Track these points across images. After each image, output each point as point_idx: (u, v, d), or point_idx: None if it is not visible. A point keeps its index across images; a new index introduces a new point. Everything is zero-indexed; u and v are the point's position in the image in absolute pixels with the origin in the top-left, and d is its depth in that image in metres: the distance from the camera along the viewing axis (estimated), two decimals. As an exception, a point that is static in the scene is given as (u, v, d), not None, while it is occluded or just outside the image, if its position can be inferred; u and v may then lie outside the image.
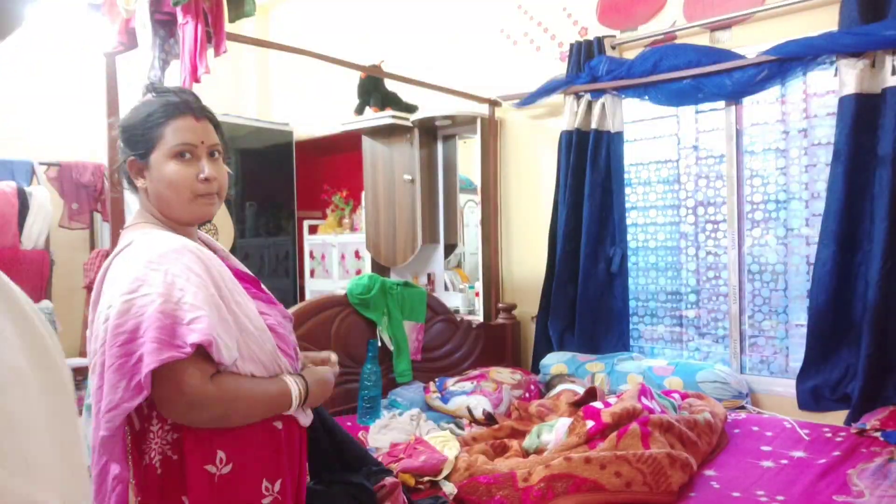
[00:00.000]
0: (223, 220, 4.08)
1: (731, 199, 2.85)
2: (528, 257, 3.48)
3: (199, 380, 1.09)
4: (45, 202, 3.53)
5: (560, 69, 3.24)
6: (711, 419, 2.19)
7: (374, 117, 3.62)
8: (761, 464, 2.07)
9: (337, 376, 1.40)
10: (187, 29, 1.76)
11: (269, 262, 4.45)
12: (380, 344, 2.71)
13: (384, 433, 2.33)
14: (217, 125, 1.32)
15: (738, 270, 2.83)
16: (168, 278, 1.10)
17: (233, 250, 4.11)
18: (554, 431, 2.07)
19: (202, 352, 1.10)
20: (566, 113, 3.19)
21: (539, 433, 2.11)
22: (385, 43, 4.03)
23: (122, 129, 1.28)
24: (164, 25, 1.84)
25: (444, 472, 1.85)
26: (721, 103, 2.88)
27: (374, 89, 3.68)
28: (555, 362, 3.02)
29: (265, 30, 4.84)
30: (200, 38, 1.75)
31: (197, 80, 1.79)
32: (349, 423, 2.47)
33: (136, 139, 1.25)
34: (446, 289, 3.84)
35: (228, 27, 2.05)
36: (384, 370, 2.74)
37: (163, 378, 1.07)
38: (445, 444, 2.01)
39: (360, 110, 3.73)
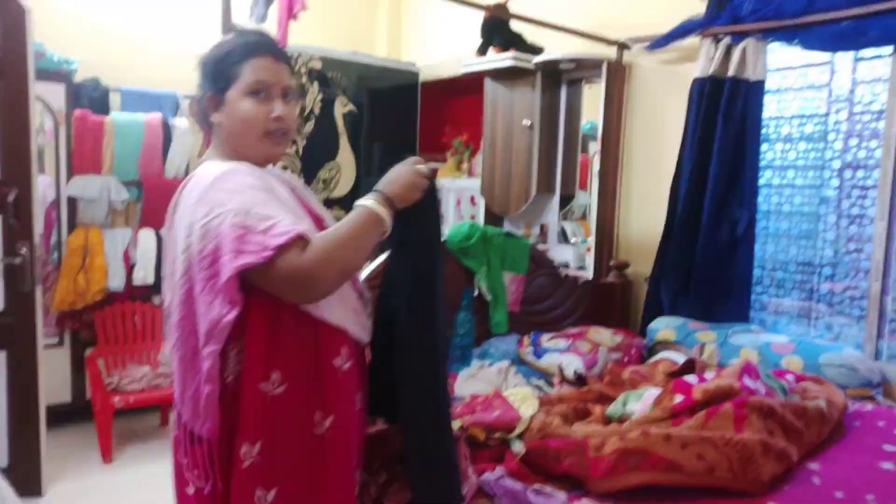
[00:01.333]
0: (346, 159, 4.18)
1: (885, 163, 2.48)
2: (648, 214, 3.26)
3: (295, 258, 1.12)
4: (187, 133, 3.79)
5: (699, 8, 2.94)
6: (825, 407, 1.97)
7: (495, 59, 3.50)
8: (880, 465, 1.83)
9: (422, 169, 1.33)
10: (283, -34, 1.77)
11: (390, 202, 4.52)
12: (476, 293, 2.68)
13: (470, 383, 2.33)
14: (293, 71, 1.35)
15: (884, 245, 2.48)
16: (232, 195, 1.14)
17: (355, 189, 4.25)
18: (641, 401, 1.96)
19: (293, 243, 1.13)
20: (701, 58, 2.90)
21: (625, 401, 2.00)
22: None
23: (202, 65, 1.32)
24: (265, -38, 1.86)
25: (517, 431, 1.81)
26: (888, 48, 2.47)
27: (497, 29, 3.54)
28: (662, 327, 2.84)
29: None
30: (296, -25, 1.75)
31: (293, 18, 1.80)
32: (439, 369, 2.50)
33: (216, 75, 1.29)
34: (561, 241, 3.72)
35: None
36: (481, 319, 2.72)
37: (266, 278, 1.12)
38: (524, 401, 1.96)
39: (482, 51, 3.62)
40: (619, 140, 3.33)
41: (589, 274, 3.33)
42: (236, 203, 1.13)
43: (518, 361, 2.58)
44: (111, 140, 3.50)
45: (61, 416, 3.46)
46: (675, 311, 2.96)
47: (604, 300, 3.18)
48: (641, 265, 3.25)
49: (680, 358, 2.37)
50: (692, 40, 2.95)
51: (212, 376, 1.15)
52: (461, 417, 1.86)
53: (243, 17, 1.88)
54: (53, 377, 3.38)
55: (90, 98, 3.55)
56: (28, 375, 2.72)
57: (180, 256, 1.17)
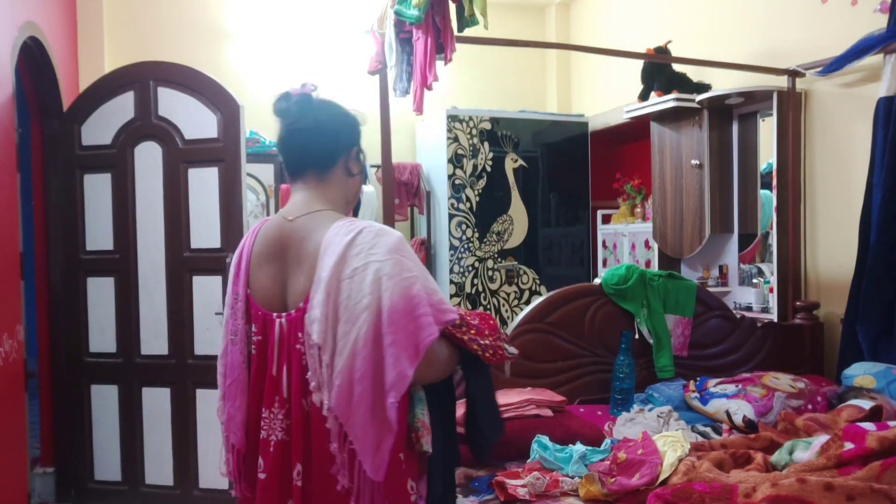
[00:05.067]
0: (518, 211, 4.34)
1: None
2: (838, 249, 2.98)
3: (438, 346, 1.27)
4: (373, 198, 4.21)
5: (874, 24, 2.70)
6: None
7: (656, 102, 3.48)
8: None
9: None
10: (419, 44, 1.99)
11: (565, 251, 4.58)
12: (637, 336, 2.64)
13: (629, 427, 2.29)
14: None
15: None
16: (417, 265, 1.27)
17: (529, 239, 4.38)
18: (809, 450, 1.80)
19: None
20: (885, 76, 2.65)
21: (792, 449, 1.85)
22: (673, 21, 3.83)
23: (355, 126, 1.49)
24: (407, 43, 2.10)
25: (660, 479, 1.76)
26: None
27: (658, 72, 3.53)
28: (860, 374, 2.54)
29: (566, 25, 4.98)
30: (430, 50, 1.96)
31: (429, 88, 2.01)
32: (599, 413, 2.48)
33: (358, 135, 1.49)
34: (742, 283, 3.51)
35: (511, 32, 2.24)
36: (644, 363, 2.66)
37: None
38: (673, 444, 1.89)
39: (643, 96, 3.62)
40: (799, 171, 3.10)
41: (773, 316, 3.10)
42: (421, 272, 1.27)
43: (683, 407, 2.48)
44: (310, 208, 4.01)
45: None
46: (877, 356, 2.65)
47: (790, 344, 2.93)
48: (835, 305, 2.96)
49: (868, 405, 2.13)
50: (873, 59, 2.71)
51: (394, 425, 1.23)
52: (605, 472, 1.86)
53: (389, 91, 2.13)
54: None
55: (293, 173, 4.12)
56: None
57: (360, 307, 1.23)
